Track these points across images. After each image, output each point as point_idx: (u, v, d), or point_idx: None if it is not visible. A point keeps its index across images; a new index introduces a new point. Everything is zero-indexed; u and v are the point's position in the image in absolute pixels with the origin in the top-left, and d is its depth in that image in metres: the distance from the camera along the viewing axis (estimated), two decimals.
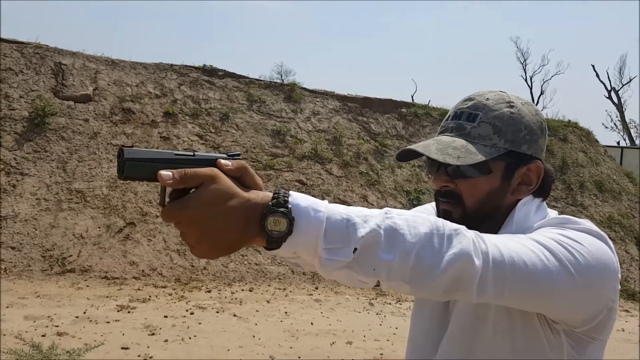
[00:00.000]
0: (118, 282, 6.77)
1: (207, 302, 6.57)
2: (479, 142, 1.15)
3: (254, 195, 0.89)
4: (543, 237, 1.00)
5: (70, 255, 6.87)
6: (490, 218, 1.17)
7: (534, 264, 0.94)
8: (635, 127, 34.72)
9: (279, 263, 7.59)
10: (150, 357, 4.71)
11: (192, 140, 8.78)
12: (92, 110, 8.43)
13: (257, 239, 0.87)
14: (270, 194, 0.89)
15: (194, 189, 0.87)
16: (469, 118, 1.18)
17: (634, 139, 33.24)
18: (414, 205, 7.49)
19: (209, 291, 6.98)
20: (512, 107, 1.17)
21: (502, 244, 0.96)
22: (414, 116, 11.41)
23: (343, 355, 5.16)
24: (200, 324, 5.73)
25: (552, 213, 1.20)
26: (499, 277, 0.92)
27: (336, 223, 0.86)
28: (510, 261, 0.93)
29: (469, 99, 1.22)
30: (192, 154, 0.93)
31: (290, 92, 10.53)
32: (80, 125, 8.19)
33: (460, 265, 0.89)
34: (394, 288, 0.91)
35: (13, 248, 6.81)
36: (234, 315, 6.14)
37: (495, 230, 1.15)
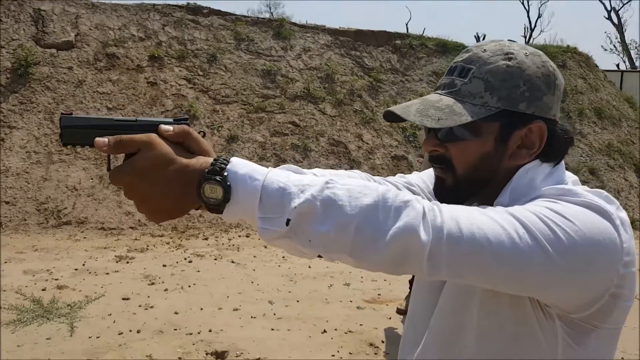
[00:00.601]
0: (115, 232, 6.78)
1: (204, 249, 6.61)
2: (468, 100, 1.03)
3: (194, 161, 0.88)
4: (525, 210, 0.89)
5: (65, 208, 6.85)
6: (485, 185, 1.06)
7: (500, 242, 0.84)
8: (636, 47, 34.07)
9: None
10: (151, 307, 4.76)
11: (180, 85, 8.56)
12: (76, 57, 8.16)
13: (198, 205, 0.88)
14: (210, 160, 0.87)
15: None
16: (461, 73, 1.06)
17: (634, 60, 32.66)
18: (410, 142, 7.37)
19: (206, 238, 7.01)
20: (510, 59, 1.03)
21: (466, 218, 0.86)
22: (409, 48, 11.07)
23: (341, 297, 5.22)
24: (198, 271, 5.77)
25: (570, 178, 1.07)
26: (454, 253, 0.84)
27: (272, 192, 0.83)
28: (469, 237, 0.84)
29: (466, 50, 1.09)
30: (134, 119, 0.94)
31: (279, 28, 10.15)
32: (65, 74, 7.95)
33: (404, 239, 0.82)
34: (337, 260, 0.87)
35: (7, 203, 6.77)
36: (232, 262, 6.19)
37: (492, 200, 1.05)
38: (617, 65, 28.94)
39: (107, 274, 5.55)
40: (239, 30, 9.81)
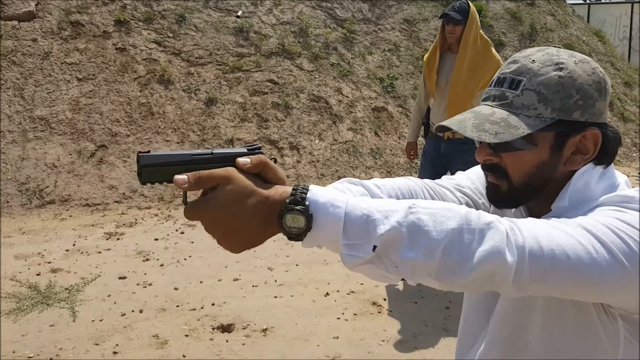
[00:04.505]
0: (100, 208, 6.68)
1: None
2: (522, 112, 1.05)
3: (273, 192, 0.89)
4: (596, 222, 0.92)
5: (47, 187, 6.69)
6: (541, 190, 1.10)
7: (578, 257, 0.87)
8: None
9: None
10: (150, 284, 4.75)
11: (150, 49, 8.27)
12: (39, 28, 7.78)
13: (278, 232, 0.90)
14: (290, 190, 0.89)
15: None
16: (511, 85, 1.07)
17: None
18: (388, 92, 7.28)
19: None
20: (561, 69, 1.04)
21: (544, 235, 0.88)
22: None
23: (339, 257, 5.27)
24: (192, 242, 5.75)
25: (621, 178, 1.10)
26: (536, 271, 0.86)
27: (355, 219, 0.85)
28: (550, 254, 0.86)
29: (514, 61, 1.10)
30: (209, 152, 0.93)
31: None
32: (30, 46, 7.59)
33: (492, 262, 0.84)
34: (422, 282, 0.88)
35: None
36: None
37: (549, 202, 1.09)
38: None
39: (99, 252, 5.49)
40: None
